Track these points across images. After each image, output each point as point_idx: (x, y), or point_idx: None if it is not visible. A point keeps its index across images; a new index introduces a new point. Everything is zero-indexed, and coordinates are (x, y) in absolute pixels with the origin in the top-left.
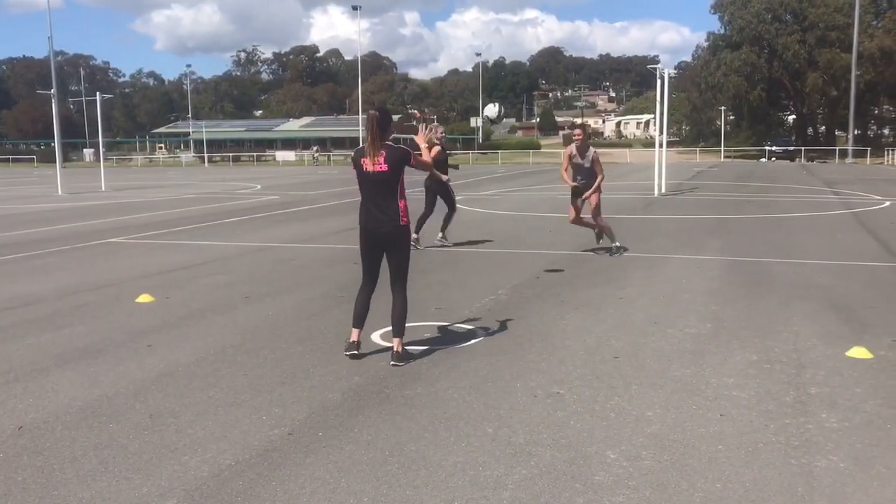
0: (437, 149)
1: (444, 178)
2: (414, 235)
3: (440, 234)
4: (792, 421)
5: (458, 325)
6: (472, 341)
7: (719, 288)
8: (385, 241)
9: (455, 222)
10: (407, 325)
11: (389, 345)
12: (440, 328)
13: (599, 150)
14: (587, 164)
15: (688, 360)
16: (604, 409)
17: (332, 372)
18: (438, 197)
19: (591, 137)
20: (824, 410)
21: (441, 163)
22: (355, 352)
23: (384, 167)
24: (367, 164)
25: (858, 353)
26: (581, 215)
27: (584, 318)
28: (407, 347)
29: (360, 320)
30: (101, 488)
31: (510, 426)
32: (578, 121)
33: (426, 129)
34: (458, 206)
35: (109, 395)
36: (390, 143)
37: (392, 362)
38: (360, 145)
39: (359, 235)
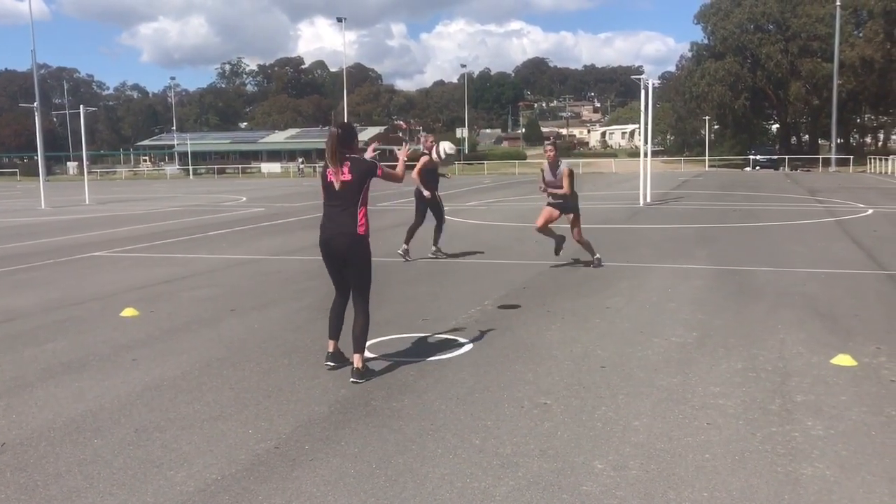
0: (425, 158)
1: (426, 193)
2: (404, 247)
3: (434, 248)
4: (778, 429)
5: (444, 336)
6: (459, 352)
7: (705, 297)
8: (341, 253)
9: (444, 234)
10: (394, 336)
11: (373, 355)
12: (427, 339)
13: (586, 160)
14: (558, 181)
15: (674, 369)
16: (591, 419)
17: (318, 385)
18: (428, 208)
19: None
20: (810, 418)
21: (432, 172)
22: (331, 363)
23: (348, 177)
24: (331, 175)
25: (843, 360)
26: (548, 225)
27: (570, 328)
28: (402, 359)
29: (335, 332)
30: None
31: (497, 437)
32: (563, 132)
33: (406, 148)
34: (445, 217)
35: (94, 410)
36: (356, 156)
37: (352, 379)
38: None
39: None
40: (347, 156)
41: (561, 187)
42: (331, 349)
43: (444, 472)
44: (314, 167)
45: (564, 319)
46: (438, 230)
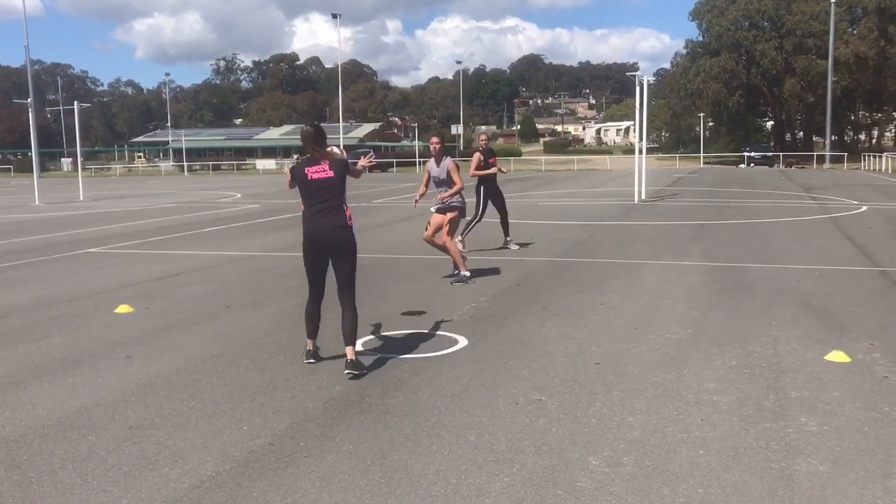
0: (477, 155)
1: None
2: (458, 237)
3: (461, 240)
4: (772, 425)
5: (439, 332)
6: (454, 349)
7: (700, 293)
8: (332, 248)
9: (469, 228)
10: (388, 333)
11: (367, 351)
12: (421, 336)
13: (580, 157)
14: (443, 176)
15: (669, 366)
16: (585, 416)
17: (312, 381)
18: (490, 201)
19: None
20: (804, 414)
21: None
22: (313, 360)
23: (330, 173)
24: (313, 172)
25: (837, 357)
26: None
27: (565, 324)
28: (397, 356)
29: (313, 331)
30: (79, 501)
31: (492, 434)
32: (558, 128)
33: (370, 158)
34: (481, 216)
35: (88, 406)
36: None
37: (346, 370)
38: (299, 161)
39: (303, 245)
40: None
41: (449, 183)
42: (310, 347)
43: (438, 468)
44: None
45: (559, 316)
46: (471, 226)
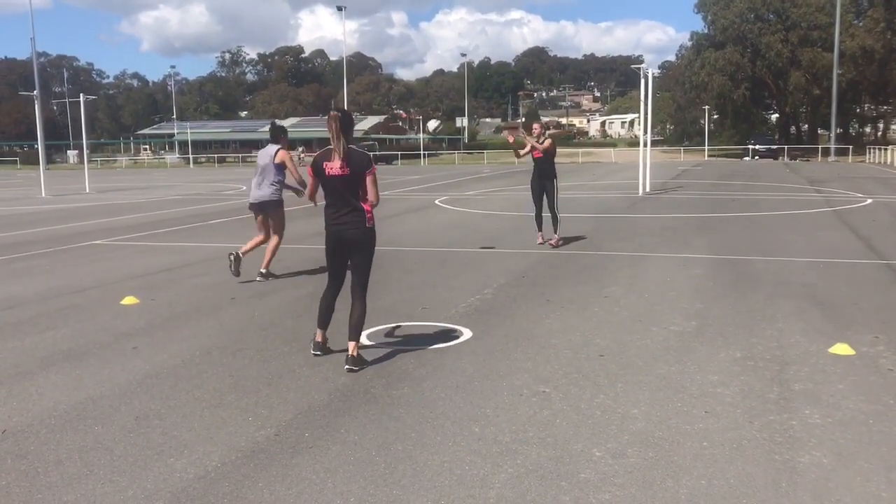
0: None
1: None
2: (540, 233)
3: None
4: (776, 417)
5: (444, 324)
6: (459, 341)
7: (704, 286)
8: (350, 244)
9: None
10: (394, 324)
11: (372, 343)
12: (426, 328)
13: (586, 150)
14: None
15: (673, 358)
16: (589, 408)
17: (318, 373)
18: (544, 195)
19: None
20: (808, 407)
21: (540, 161)
22: (319, 352)
23: (346, 170)
24: (329, 168)
25: (841, 349)
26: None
27: (569, 316)
28: (402, 348)
29: (325, 321)
30: (85, 491)
31: (496, 425)
32: (563, 121)
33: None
34: (557, 207)
35: (94, 397)
36: (353, 146)
37: (346, 366)
38: (322, 150)
39: (325, 238)
40: (348, 146)
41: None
42: (319, 338)
43: (443, 459)
44: (314, 156)
45: (563, 308)
46: (535, 220)
